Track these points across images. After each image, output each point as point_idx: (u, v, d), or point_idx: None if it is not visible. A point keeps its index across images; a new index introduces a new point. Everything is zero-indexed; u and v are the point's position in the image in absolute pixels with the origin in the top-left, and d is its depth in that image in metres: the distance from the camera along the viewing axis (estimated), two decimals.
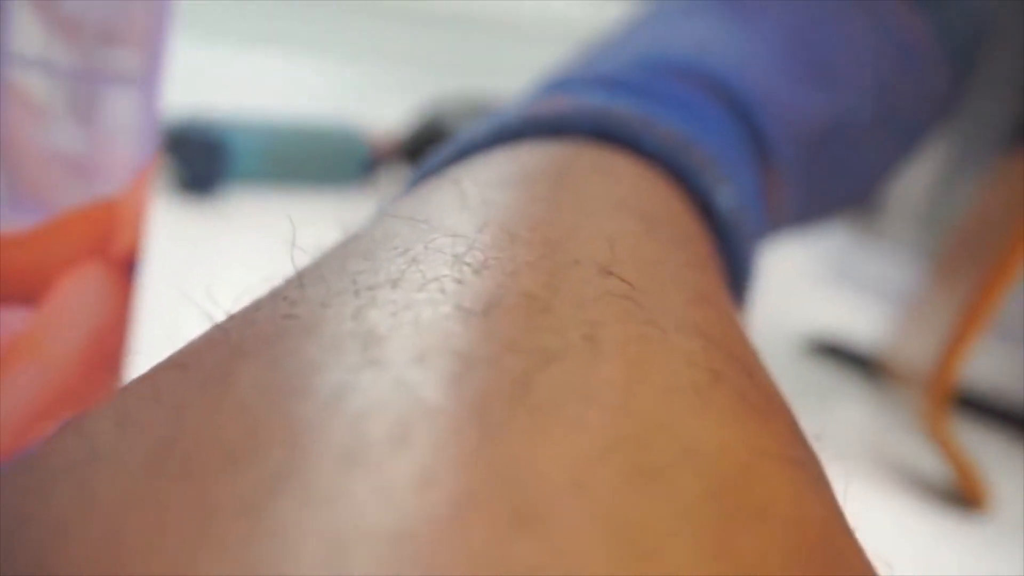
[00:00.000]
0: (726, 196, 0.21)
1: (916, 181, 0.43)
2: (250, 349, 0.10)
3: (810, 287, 0.47)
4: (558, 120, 0.21)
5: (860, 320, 0.44)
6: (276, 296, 0.12)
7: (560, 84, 0.25)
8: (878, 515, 0.26)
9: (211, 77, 0.59)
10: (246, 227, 0.38)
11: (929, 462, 0.31)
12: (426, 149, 0.45)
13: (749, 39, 0.29)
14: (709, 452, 0.09)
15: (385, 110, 0.55)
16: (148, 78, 0.20)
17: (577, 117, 0.21)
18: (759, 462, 0.10)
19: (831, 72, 0.30)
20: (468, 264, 0.12)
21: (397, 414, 0.09)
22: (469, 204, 0.15)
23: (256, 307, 0.12)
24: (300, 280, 0.13)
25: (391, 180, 0.47)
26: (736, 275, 0.22)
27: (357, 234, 0.15)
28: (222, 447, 0.09)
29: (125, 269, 0.20)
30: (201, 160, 0.40)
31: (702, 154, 0.21)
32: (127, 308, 0.20)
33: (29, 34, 0.18)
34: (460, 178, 0.17)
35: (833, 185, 0.32)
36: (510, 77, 0.65)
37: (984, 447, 0.33)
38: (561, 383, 0.10)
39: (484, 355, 0.10)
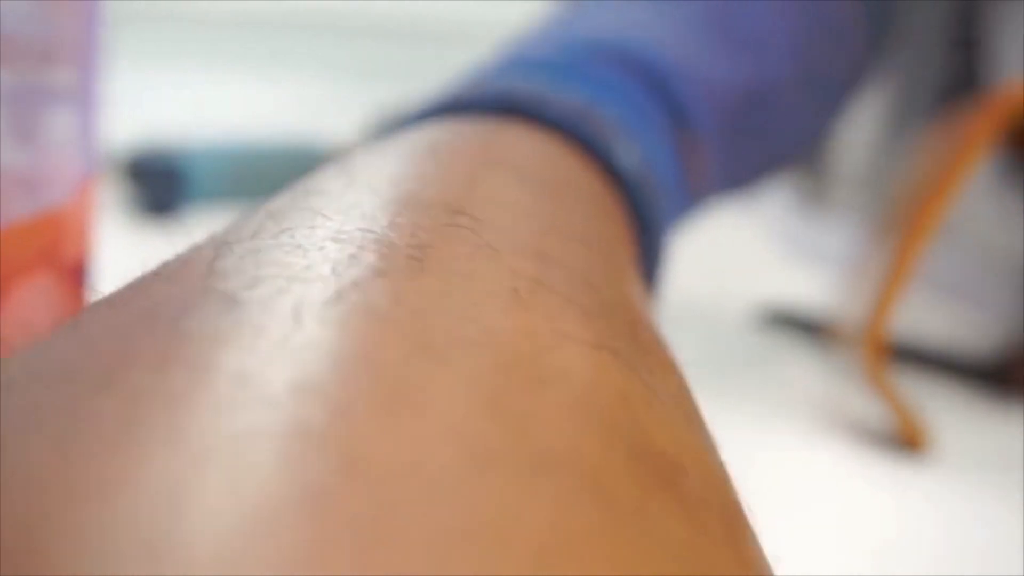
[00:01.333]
0: (627, 156, 0.22)
1: (858, 147, 0.45)
2: (169, 275, 0.11)
3: (760, 258, 0.48)
4: (462, 101, 0.22)
5: (810, 288, 0.45)
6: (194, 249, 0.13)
7: (475, 72, 0.26)
8: (826, 464, 0.28)
9: (166, 100, 0.60)
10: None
11: (874, 414, 0.32)
12: None
13: (669, 17, 0.30)
14: (506, 333, 0.10)
15: (340, 123, 0.56)
16: (85, 92, 0.21)
17: (481, 97, 0.22)
18: (562, 343, 0.10)
19: (750, 39, 0.31)
20: (323, 215, 0.13)
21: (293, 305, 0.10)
22: (346, 172, 0.16)
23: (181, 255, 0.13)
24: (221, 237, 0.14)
25: None
26: (647, 233, 0.23)
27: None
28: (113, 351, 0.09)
29: (75, 277, 0.21)
30: (160, 185, 0.41)
31: (602, 120, 0.22)
32: (76, 312, 0.21)
33: None
34: (352, 155, 0.18)
35: (759, 150, 0.33)
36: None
37: (923, 395, 0.34)
38: (379, 291, 0.10)
39: (313, 276, 0.11)
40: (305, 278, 0.11)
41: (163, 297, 0.10)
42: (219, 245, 0.12)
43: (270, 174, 0.45)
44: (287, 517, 0.07)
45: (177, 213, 0.41)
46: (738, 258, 0.48)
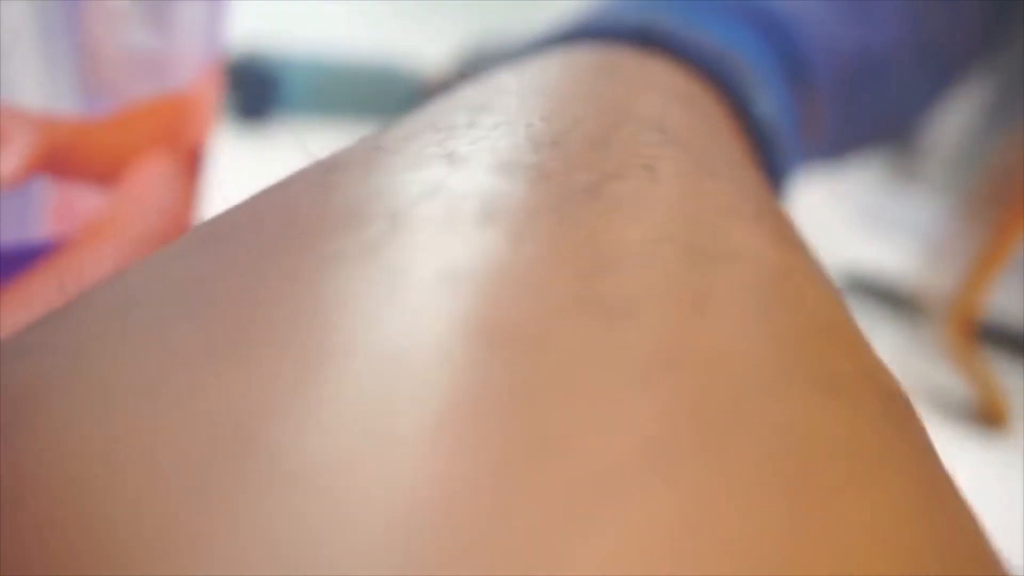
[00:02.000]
0: (764, 103, 0.22)
1: (950, 126, 0.44)
2: (341, 165, 0.11)
3: (846, 227, 0.48)
4: (600, 29, 0.22)
5: (893, 259, 0.45)
6: (363, 138, 0.13)
7: (599, 4, 0.26)
8: None
9: (261, 8, 0.60)
10: (292, 154, 0.39)
11: (954, 387, 0.32)
12: None
13: None
14: (754, 258, 0.10)
15: (430, 49, 0.56)
16: None
17: (619, 26, 0.22)
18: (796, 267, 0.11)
19: (871, 5, 0.31)
20: (534, 112, 0.13)
21: (483, 201, 0.10)
22: (527, 77, 0.16)
23: (347, 146, 0.13)
24: (385, 127, 0.14)
25: None
26: (773, 183, 0.22)
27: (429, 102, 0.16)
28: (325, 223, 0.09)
29: (192, 160, 0.21)
30: (254, 91, 0.41)
31: (739, 64, 0.22)
32: (192, 198, 0.22)
33: None
34: (516, 68, 0.18)
35: (870, 118, 0.33)
36: (555, 16, 0.66)
37: (1006, 374, 0.34)
38: (624, 193, 0.11)
39: (556, 169, 0.11)
40: (549, 171, 0.11)
41: (394, 169, 0.10)
42: (439, 128, 0.12)
43: (362, 92, 0.45)
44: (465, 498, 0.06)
45: (268, 120, 0.41)
46: (822, 226, 0.48)
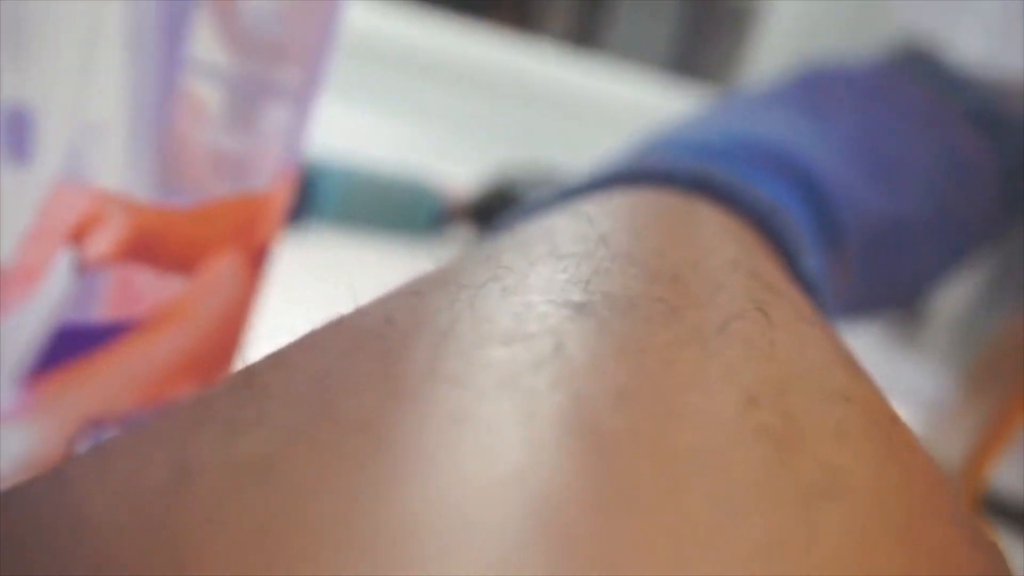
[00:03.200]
0: (808, 259, 0.23)
1: (955, 296, 0.45)
2: (396, 319, 0.12)
3: None
4: (657, 174, 0.23)
5: None
6: (475, 255, 0.14)
7: (650, 149, 0.27)
8: None
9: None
10: (315, 263, 0.40)
11: None
12: (494, 212, 0.48)
13: (824, 134, 0.31)
14: (868, 400, 0.11)
15: (456, 172, 0.58)
16: (306, 93, 0.22)
17: (675, 171, 0.23)
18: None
19: (894, 175, 0.32)
20: (642, 247, 0.14)
21: (621, 332, 0.11)
22: (616, 213, 0.17)
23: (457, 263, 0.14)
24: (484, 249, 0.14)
25: (458, 239, 0.49)
26: None
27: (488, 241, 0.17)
28: (385, 381, 0.10)
29: (259, 258, 0.22)
30: (294, 195, 0.42)
31: (788, 221, 0.23)
32: (254, 294, 0.22)
33: (205, 42, 0.21)
34: (573, 208, 0.19)
35: (885, 283, 0.34)
36: (576, 154, 0.68)
37: (1011, 549, 0.35)
38: (750, 333, 0.11)
39: (684, 305, 0.12)
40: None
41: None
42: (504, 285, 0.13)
43: (388, 203, 0.46)
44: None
45: (302, 226, 0.42)
46: None
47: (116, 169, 0.19)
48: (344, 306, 0.36)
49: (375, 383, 0.10)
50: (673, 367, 0.10)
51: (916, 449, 0.11)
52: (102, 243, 0.18)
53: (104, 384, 0.19)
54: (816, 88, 0.34)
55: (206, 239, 0.21)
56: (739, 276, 0.14)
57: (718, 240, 0.17)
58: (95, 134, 0.18)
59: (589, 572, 0.07)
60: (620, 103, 0.71)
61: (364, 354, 0.10)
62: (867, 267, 0.32)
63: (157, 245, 0.19)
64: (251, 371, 0.11)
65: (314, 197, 0.42)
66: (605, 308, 0.12)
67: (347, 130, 0.62)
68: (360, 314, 0.12)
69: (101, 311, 0.19)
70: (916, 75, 0.37)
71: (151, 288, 0.20)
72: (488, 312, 0.11)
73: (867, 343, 0.50)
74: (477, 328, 0.11)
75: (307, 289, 0.37)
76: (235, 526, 0.07)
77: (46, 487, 0.09)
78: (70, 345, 0.18)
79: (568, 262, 0.13)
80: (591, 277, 0.13)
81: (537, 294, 0.12)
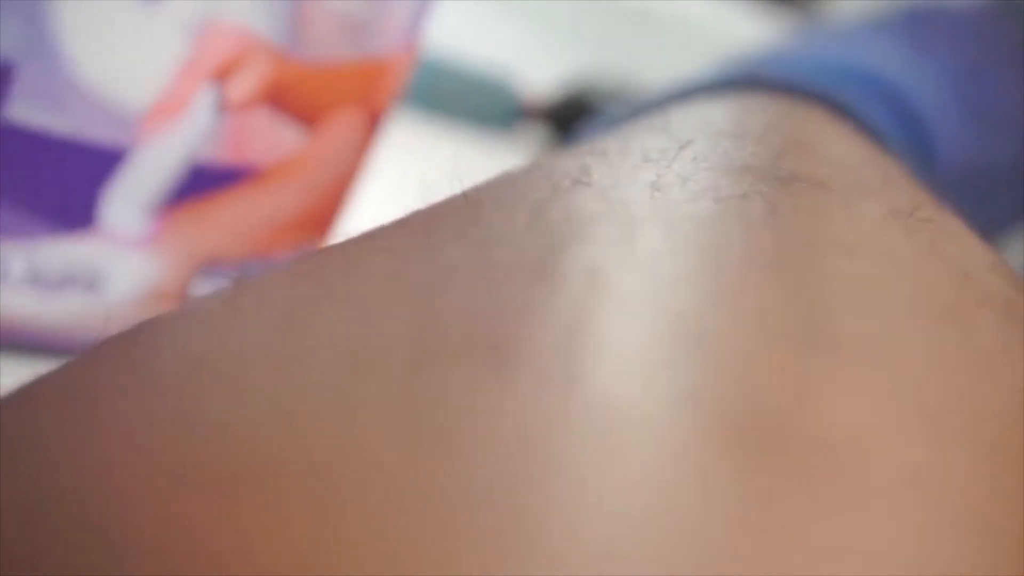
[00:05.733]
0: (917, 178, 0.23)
1: (1012, 260, 0.45)
2: (593, 163, 0.12)
3: None
4: (775, 82, 0.23)
5: None
6: (580, 152, 0.13)
7: (758, 62, 0.27)
8: None
9: None
10: (391, 148, 0.40)
11: None
12: (569, 118, 0.48)
13: (924, 66, 0.31)
14: (1005, 296, 0.11)
15: (534, 74, 0.57)
16: None
17: (796, 83, 0.23)
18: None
19: (988, 117, 0.32)
20: (771, 146, 0.14)
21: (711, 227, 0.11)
22: (747, 111, 0.17)
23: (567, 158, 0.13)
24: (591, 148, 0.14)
25: (532, 139, 0.49)
26: None
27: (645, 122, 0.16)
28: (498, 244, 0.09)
29: (374, 122, 0.22)
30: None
31: (900, 150, 0.23)
32: (367, 157, 0.23)
33: None
34: (719, 102, 0.19)
35: (968, 223, 0.34)
36: (654, 70, 0.67)
37: None
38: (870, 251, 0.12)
39: (784, 198, 0.12)
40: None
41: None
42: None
43: (464, 94, 0.46)
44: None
45: None
46: None
47: (257, 13, 0.19)
48: (417, 190, 0.37)
49: (593, 228, 0.09)
50: (885, 235, 0.10)
51: None
52: (244, 84, 0.18)
53: (224, 226, 0.20)
54: (919, 24, 0.34)
55: (329, 97, 0.21)
56: (901, 177, 0.14)
57: (868, 146, 0.17)
58: None
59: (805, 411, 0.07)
60: (703, 25, 0.70)
61: (571, 198, 0.10)
62: (955, 203, 0.32)
63: (287, 95, 0.20)
64: (467, 200, 0.10)
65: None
66: (801, 182, 0.12)
67: (433, 20, 0.62)
68: (553, 162, 0.12)
69: (227, 154, 0.19)
70: (1020, 15, 0.36)
71: (275, 137, 0.20)
72: (689, 173, 0.11)
73: None
74: (684, 185, 0.11)
75: (381, 169, 0.37)
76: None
77: (188, 320, 0.08)
78: (199, 182, 0.19)
79: (744, 141, 0.13)
80: (775, 156, 0.13)
81: (730, 163, 0.12)
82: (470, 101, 0.46)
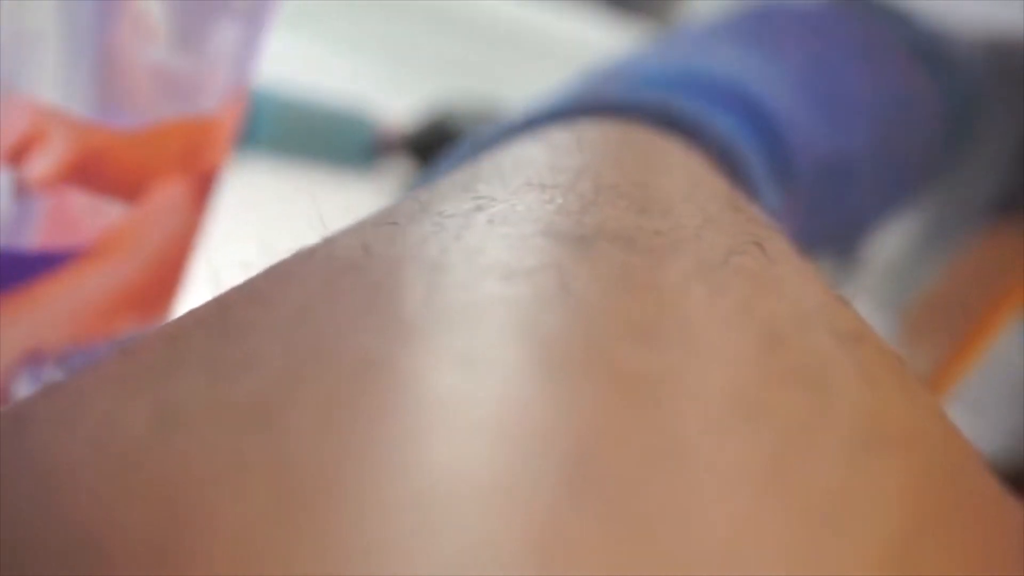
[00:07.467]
0: (770, 199, 0.22)
1: (894, 240, 0.45)
2: (375, 249, 0.11)
3: None
4: (619, 104, 0.22)
5: None
6: (385, 215, 0.13)
7: (606, 79, 0.26)
8: None
9: None
10: (252, 193, 0.39)
11: None
12: (431, 146, 0.47)
13: (773, 67, 0.31)
14: (874, 338, 0.11)
15: (392, 104, 0.56)
16: (257, 14, 0.21)
17: (637, 102, 0.22)
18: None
19: (839, 111, 0.32)
20: (626, 180, 0.13)
21: (623, 263, 0.10)
22: (589, 144, 0.16)
23: (387, 213, 0.13)
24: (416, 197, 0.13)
25: (394, 171, 0.48)
26: None
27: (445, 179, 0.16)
28: (354, 313, 0.09)
29: (206, 184, 0.21)
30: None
31: (748, 156, 0.23)
32: (199, 224, 0.21)
33: None
34: (544, 137, 0.19)
35: (829, 222, 0.34)
36: (516, 88, 0.67)
37: None
38: (753, 268, 0.11)
39: (683, 239, 0.11)
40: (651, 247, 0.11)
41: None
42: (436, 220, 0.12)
43: (322, 132, 0.44)
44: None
45: (238, 152, 0.41)
46: None
47: (55, 83, 0.17)
48: (282, 236, 0.35)
49: (367, 319, 0.09)
50: (686, 303, 0.10)
51: (927, 390, 0.10)
52: (43, 164, 0.17)
53: (43, 316, 0.18)
54: (763, 24, 0.34)
55: (150, 164, 0.19)
56: (727, 210, 0.14)
57: (697, 173, 0.17)
58: (30, 42, 0.17)
59: (647, 529, 0.06)
60: (557, 37, 0.70)
61: (345, 286, 0.10)
62: (813, 205, 0.32)
63: (99, 169, 0.18)
64: (224, 306, 0.10)
65: (246, 123, 0.41)
66: (603, 241, 0.11)
67: (282, 57, 0.60)
68: (332, 244, 0.11)
69: (38, 238, 0.18)
70: (860, 12, 0.37)
71: (91, 215, 0.19)
72: (479, 244, 0.10)
73: None
74: (471, 261, 0.10)
75: (241, 218, 0.35)
76: (236, 476, 0.07)
77: (1, 428, 0.08)
78: (12, 273, 0.17)
79: (553, 192, 0.13)
80: (581, 209, 0.12)
81: (528, 225, 0.11)
82: (326, 139, 0.45)
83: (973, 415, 0.41)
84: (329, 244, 0.11)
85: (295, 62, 0.58)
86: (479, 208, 0.12)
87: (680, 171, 0.16)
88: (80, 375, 0.09)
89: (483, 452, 0.07)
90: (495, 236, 0.11)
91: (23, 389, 0.18)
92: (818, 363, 0.09)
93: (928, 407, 0.10)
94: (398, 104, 0.56)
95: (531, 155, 0.16)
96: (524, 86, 0.67)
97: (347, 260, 0.10)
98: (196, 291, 0.29)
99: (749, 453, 0.07)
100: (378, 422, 0.07)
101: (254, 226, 0.35)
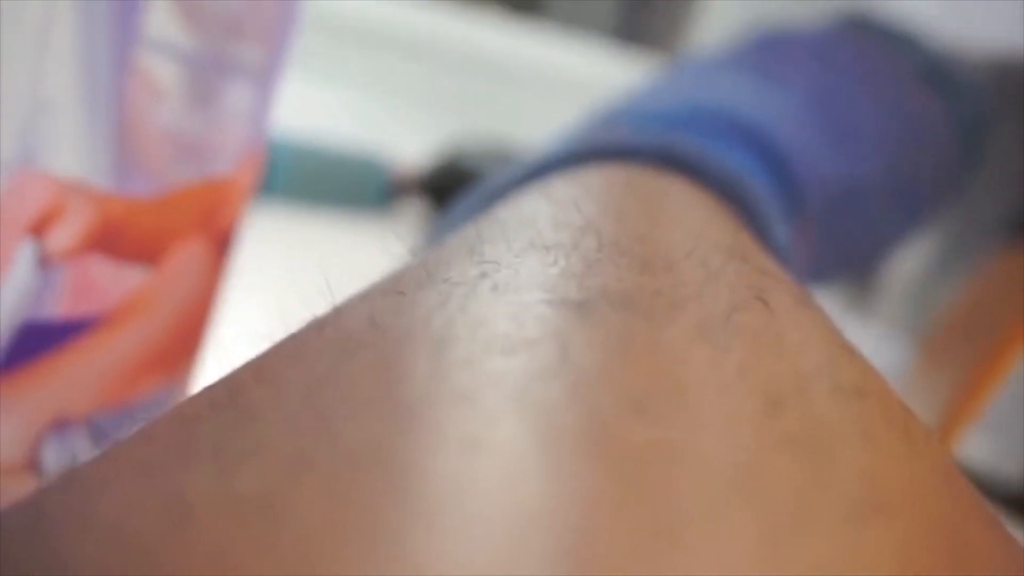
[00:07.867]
0: (778, 230, 0.22)
1: (909, 263, 0.46)
2: (382, 323, 0.11)
3: None
4: (624, 147, 0.23)
5: None
6: (393, 287, 0.13)
7: (614, 119, 0.26)
8: None
9: None
10: (267, 240, 0.39)
11: None
12: (445, 187, 0.47)
13: (781, 97, 0.31)
14: (879, 392, 0.11)
15: (406, 146, 0.57)
16: (268, 72, 0.22)
17: (643, 145, 0.22)
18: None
19: (849, 138, 0.32)
20: (626, 234, 0.13)
21: (624, 326, 0.10)
22: (592, 194, 0.16)
23: (389, 285, 0.13)
24: (424, 266, 0.14)
25: (408, 213, 0.48)
26: None
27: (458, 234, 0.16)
28: (359, 400, 0.09)
29: (224, 243, 0.21)
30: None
31: (757, 190, 0.23)
32: (218, 283, 0.22)
33: (162, 19, 0.20)
34: (549, 190, 0.19)
35: (842, 248, 0.34)
36: (529, 127, 0.67)
37: None
38: (754, 326, 0.11)
39: (686, 297, 0.11)
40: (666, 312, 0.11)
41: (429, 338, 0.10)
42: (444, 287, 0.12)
43: (336, 178, 0.45)
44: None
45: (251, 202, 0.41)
46: None
47: (73, 155, 0.18)
48: (302, 287, 0.36)
49: (374, 401, 0.09)
50: (686, 368, 0.10)
51: (932, 441, 0.11)
52: (65, 235, 0.17)
53: (67, 383, 0.18)
54: (769, 53, 0.34)
55: (169, 228, 0.20)
56: (732, 262, 0.14)
57: (702, 222, 0.17)
58: (48, 116, 0.18)
59: None
60: (566, 73, 0.70)
61: (355, 365, 0.10)
62: (825, 232, 0.32)
63: (119, 236, 0.19)
64: (234, 386, 0.10)
65: (263, 174, 0.41)
66: (604, 305, 0.11)
67: (294, 103, 0.61)
68: (341, 316, 0.12)
69: (61, 307, 0.18)
70: (867, 37, 0.37)
71: (112, 281, 0.19)
72: (482, 315, 0.11)
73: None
74: (474, 334, 0.10)
75: (260, 268, 0.36)
76: (243, 570, 0.07)
77: (19, 522, 0.08)
78: (31, 344, 0.17)
79: (556, 253, 0.13)
80: (584, 271, 0.12)
81: (530, 292, 0.11)
82: (341, 185, 0.45)
83: (996, 435, 0.40)
84: (337, 316, 0.12)
85: (307, 106, 0.59)
86: (484, 275, 0.12)
87: (684, 221, 0.16)
88: (95, 463, 0.09)
89: (482, 539, 0.07)
90: (499, 305, 0.11)
91: (50, 454, 0.19)
92: (817, 426, 0.09)
93: (932, 462, 0.10)
94: (411, 146, 0.57)
95: (535, 211, 0.16)
96: (536, 123, 0.67)
97: (355, 334, 0.11)
98: (221, 341, 0.29)
99: (745, 529, 0.07)
100: (381, 512, 0.07)
101: (270, 277, 0.36)
